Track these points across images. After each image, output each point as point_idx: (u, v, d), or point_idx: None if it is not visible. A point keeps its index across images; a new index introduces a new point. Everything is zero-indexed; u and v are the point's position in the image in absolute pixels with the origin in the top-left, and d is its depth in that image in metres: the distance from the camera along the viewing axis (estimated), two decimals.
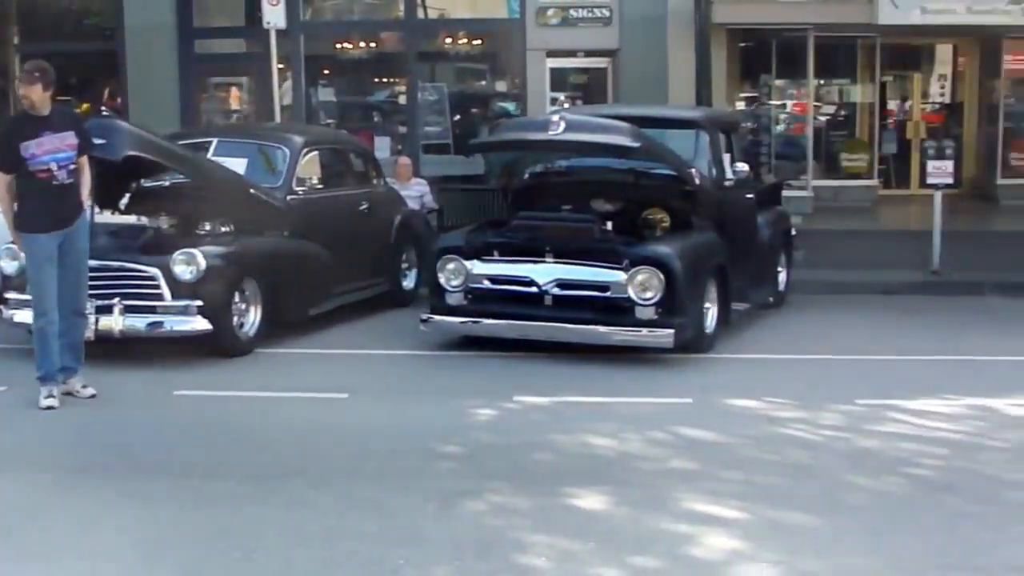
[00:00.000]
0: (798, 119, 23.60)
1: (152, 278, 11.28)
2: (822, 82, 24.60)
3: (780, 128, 23.70)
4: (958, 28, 22.56)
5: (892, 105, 26.01)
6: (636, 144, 11.48)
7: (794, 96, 23.86)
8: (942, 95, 27.07)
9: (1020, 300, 14.90)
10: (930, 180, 16.71)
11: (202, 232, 12.15)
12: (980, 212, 23.49)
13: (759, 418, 9.58)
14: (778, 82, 23.67)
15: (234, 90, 22.68)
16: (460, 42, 22.15)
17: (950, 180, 16.70)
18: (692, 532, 6.97)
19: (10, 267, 11.58)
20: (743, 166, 13.21)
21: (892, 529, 7.07)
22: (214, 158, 12.77)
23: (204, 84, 22.20)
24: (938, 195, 16.47)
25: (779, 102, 23.90)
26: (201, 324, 11.21)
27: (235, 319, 11.64)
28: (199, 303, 11.19)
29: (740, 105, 23.34)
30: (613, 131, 11.63)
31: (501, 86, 22.52)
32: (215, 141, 13.32)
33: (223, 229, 12.29)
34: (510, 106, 21.53)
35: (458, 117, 21.77)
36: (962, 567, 6.54)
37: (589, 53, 20.91)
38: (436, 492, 7.64)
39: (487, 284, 11.87)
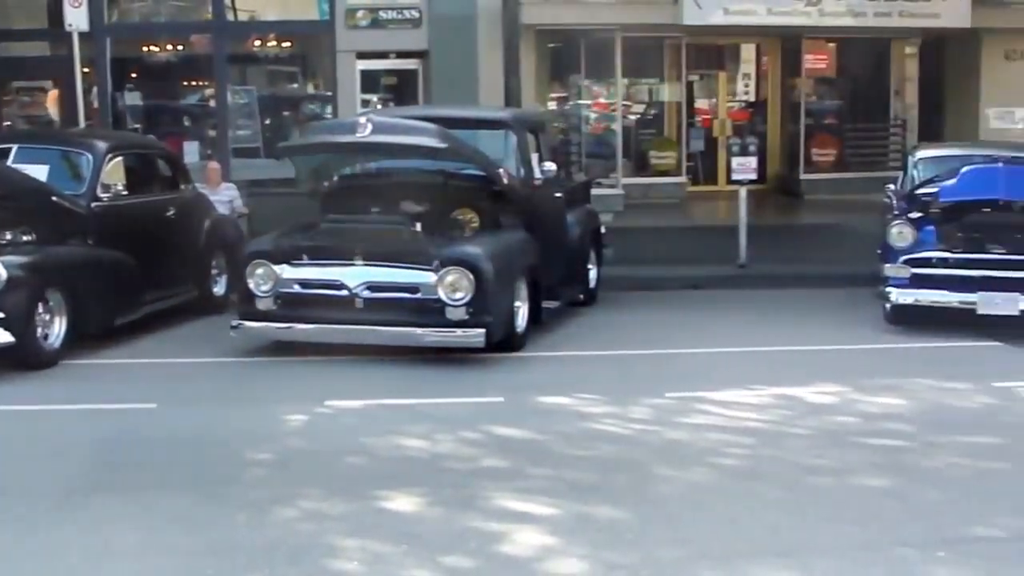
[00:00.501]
0: (606, 118, 23.90)
1: None
2: (631, 82, 24.96)
3: (590, 127, 23.97)
4: (760, 28, 23.17)
5: (700, 104, 26.53)
6: (443, 145, 11.51)
7: (603, 95, 24.16)
8: (747, 94, 27.73)
9: (822, 291, 15.30)
10: (735, 176, 17.12)
11: (2, 242, 11.77)
12: (785, 207, 24.19)
13: (570, 414, 9.68)
14: (587, 82, 23.94)
15: (38, 95, 22.07)
16: (270, 44, 21.96)
17: (754, 176, 17.13)
18: (503, 530, 7.00)
19: None
20: (551, 165, 13.34)
21: (699, 518, 7.21)
22: (14, 165, 12.41)
23: (7, 88, 21.56)
24: (743, 191, 16.87)
25: (588, 102, 24.18)
26: (3, 336, 10.87)
27: (39, 330, 11.29)
28: (0, 315, 10.85)
29: (552, 105, 23.58)
30: (420, 132, 11.64)
31: (312, 88, 22.39)
32: (15, 147, 12.94)
33: (25, 238, 11.93)
34: (321, 109, 21.38)
35: (269, 120, 21.58)
36: (767, 552, 6.71)
37: (399, 55, 20.89)
38: (247, 501, 7.55)
39: (297, 288, 11.75)
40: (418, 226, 11.92)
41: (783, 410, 9.79)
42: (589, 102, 24.20)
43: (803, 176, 25.16)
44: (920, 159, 15.26)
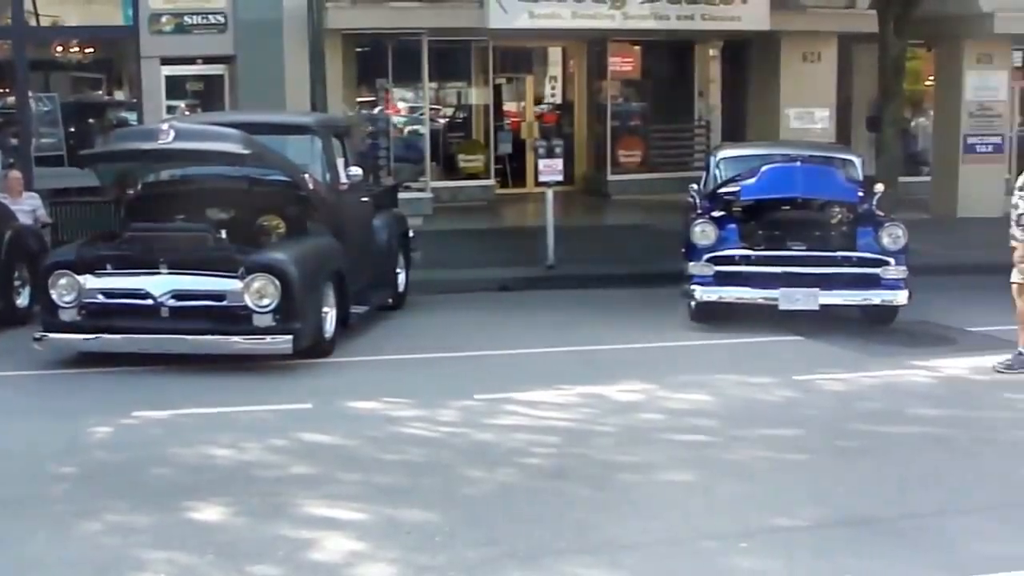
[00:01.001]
0: (414, 122, 23.91)
1: None
2: (439, 85, 25.03)
3: (398, 131, 23.94)
4: (566, 31, 23.43)
5: (508, 107, 26.73)
6: (246, 151, 11.38)
7: (410, 99, 24.16)
8: (554, 96, 28.05)
9: (630, 290, 15.54)
10: (542, 178, 17.28)
11: None
12: (593, 207, 24.52)
13: (379, 419, 9.66)
14: (395, 86, 23.90)
15: None
16: (73, 50, 21.40)
17: (560, 177, 17.33)
18: (312, 537, 6.96)
19: None
20: (357, 170, 13.30)
21: (508, 519, 7.27)
22: None
23: None
24: (550, 192, 17.04)
25: (397, 105, 24.15)
26: None
27: None
28: None
29: (360, 109, 23.50)
30: (223, 139, 11.49)
31: (117, 95, 21.92)
32: None
33: None
34: (127, 115, 20.94)
35: (73, 128, 21.02)
36: (575, 550, 6.80)
37: (205, 60, 20.60)
38: (50, 516, 7.37)
39: (101, 299, 11.50)
40: (223, 233, 11.78)
41: (590, 409, 9.93)
42: (397, 106, 24.16)
43: (610, 177, 25.57)
44: (722, 159, 15.60)
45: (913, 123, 28.06)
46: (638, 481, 8.07)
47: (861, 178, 15.08)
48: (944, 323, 13.52)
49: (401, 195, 17.06)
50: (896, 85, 19.66)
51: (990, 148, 23.67)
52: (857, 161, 15.53)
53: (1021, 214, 11.19)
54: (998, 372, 11.34)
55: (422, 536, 6.97)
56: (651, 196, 23.99)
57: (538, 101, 27.49)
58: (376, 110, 23.88)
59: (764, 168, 13.80)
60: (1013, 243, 11.32)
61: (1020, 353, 11.39)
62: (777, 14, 22.52)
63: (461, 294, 15.36)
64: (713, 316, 13.24)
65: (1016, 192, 11.30)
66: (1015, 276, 11.32)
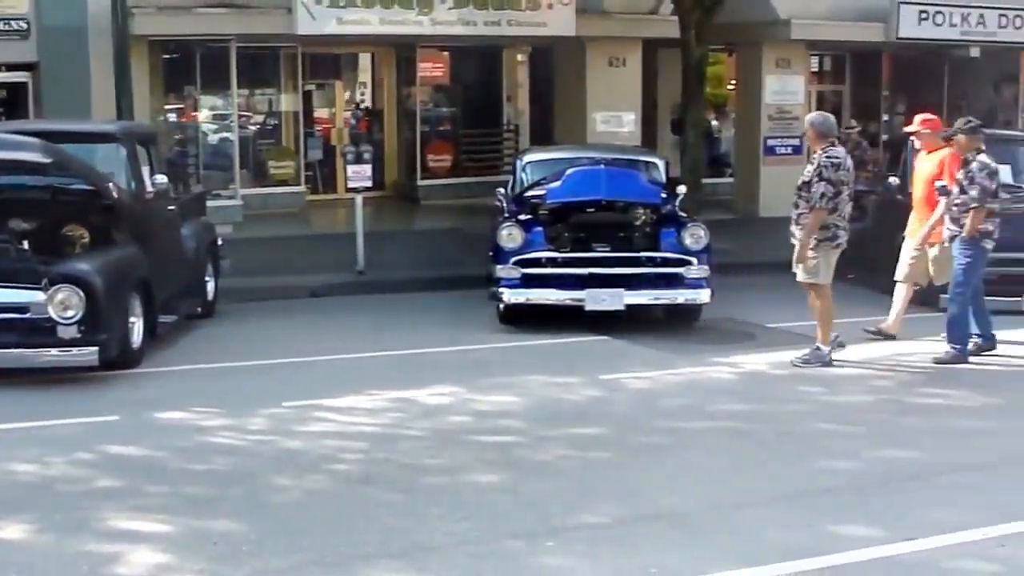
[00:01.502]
0: (223, 129, 23.57)
1: None
2: (248, 92, 24.75)
3: (207, 139, 23.58)
4: (375, 37, 23.40)
5: (318, 113, 26.55)
6: (48, 159, 11.10)
7: (220, 106, 23.82)
8: (364, 102, 27.96)
9: (440, 294, 15.62)
10: (351, 184, 17.25)
11: None
12: (403, 213, 24.52)
13: (186, 429, 9.53)
14: (203, 93, 23.54)
15: None
16: None
17: (369, 183, 17.33)
18: (117, 551, 6.84)
19: None
20: (163, 178, 13.06)
21: (315, 526, 7.24)
22: None
23: None
24: (359, 198, 17.00)
25: (205, 112, 23.80)
26: None
27: None
28: None
29: (171, 116, 23.10)
30: (23, 147, 11.17)
31: None
32: None
33: None
34: None
35: None
36: (381, 554, 6.82)
37: (8, 67, 20.05)
38: None
39: None
40: (25, 244, 11.50)
41: (398, 413, 9.96)
42: (206, 113, 23.80)
43: (420, 182, 25.63)
44: (528, 162, 15.77)
45: (717, 126, 28.76)
46: (445, 483, 8.12)
47: (664, 180, 15.39)
48: (746, 320, 13.90)
49: (210, 203, 16.86)
50: (698, 89, 20.10)
51: (789, 150, 24.40)
52: (660, 163, 15.87)
53: (801, 213, 11.58)
54: (796, 366, 11.71)
55: (229, 546, 6.91)
56: (461, 200, 24.12)
57: (349, 107, 27.36)
58: (184, 117, 23.49)
59: (569, 171, 14.02)
60: (793, 241, 11.73)
61: (817, 348, 11.77)
62: (583, 20, 22.80)
63: (272, 301, 15.22)
64: (521, 318, 13.37)
65: (795, 192, 11.69)
66: (801, 275, 11.72)
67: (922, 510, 7.67)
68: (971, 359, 12.10)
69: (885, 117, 29.18)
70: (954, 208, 12.21)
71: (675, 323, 13.70)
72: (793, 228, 11.71)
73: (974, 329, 12.33)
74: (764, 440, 9.34)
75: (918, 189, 13.25)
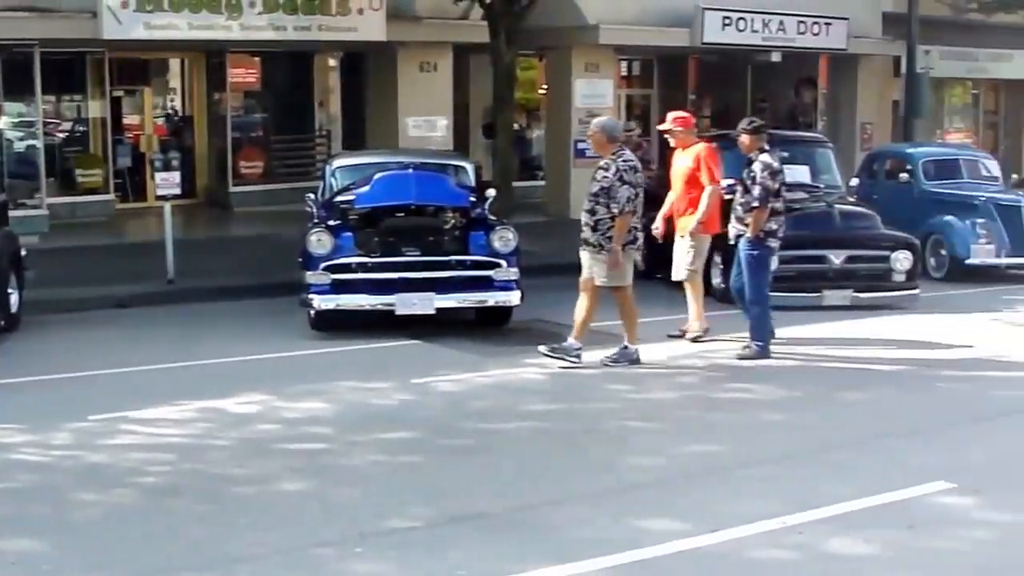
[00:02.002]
0: (29, 136, 22.86)
1: None
2: (54, 98, 24.09)
3: (11, 146, 22.82)
4: (185, 43, 22.95)
5: (128, 119, 25.96)
6: None
7: (25, 113, 23.10)
8: (174, 108, 27.47)
9: (251, 302, 15.37)
10: (160, 192, 16.91)
11: None
12: (215, 220, 24.14)
13: None
14: (6, 99, 22.77)
15: None
16: None
17: (178, 191, 16.97)
18: None
19: None
20: None
21: (120, 542, 7.08)
22: None
23: None
24: (168, 206, 16.65)
25: (7, 119, 23.03)
26: None
27: None
28: None
29: None
30: None
31: None
32: None
33: None
34: None
35: None
36: (188, 567, 6.70)
37: None
38: None
39: None
40: None
41: (206, 423, 9.77)
42: (7, 120, 23.05)
43: (232, 189, 25.26)
44: (337, 168, 15.63)
45: (529, 129, 28.97)
46: (253, 493, 8.01)
47: (474, 183, 15.44)
48: (557, 321, 13.97)
49: (14, 212, 16.35)
50: (508, 93, 20.23)
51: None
52: (469, 167, 15.91)
53: (600, 220, 11.60)
54: (606, 365, 11.83)
55: (28, 566, 6.70)
56: (274, 207, 23.80)
57: (158, 113, 26.84)
58: None
59: (377, 176, 13.97)
60: (584, 249, 11.83)
61: (625, 347, 11.92)
62: (393, 25, 22.74)
63: (78, 313, 14.79)
64: (333, 324, 13.26)
65: (590, 199, 11.71)
66: (600, 280, 11.77)
67: (725, 502, 7.83)
68: (772, 353, 12.39)
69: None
70: (739, 208, 12.45)
71: (486, 325, 13.73)
72: (589, 235, 11.71)
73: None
74: (572, 439, 9.43)
75: (676, 186, 13.45)
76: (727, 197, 12.92)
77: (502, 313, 13.60)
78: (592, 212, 11.68)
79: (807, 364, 12.37)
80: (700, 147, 13.26)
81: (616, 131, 12.00)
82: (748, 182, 12.29)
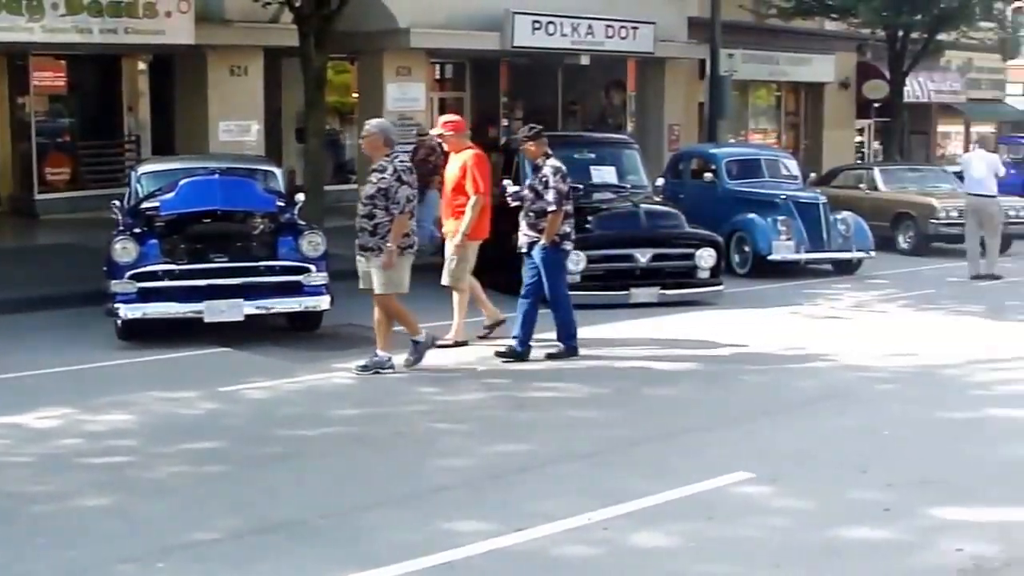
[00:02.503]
0: None
1: None
2: None
3: None
4: None
5: None
6: None
7: None
8: None
9: (56, 313, 14.87)
10: None
11: None
12: (19, 228, 23.38)
13: None
14: None
15: None
16: None
17: None
18: None
19: None
20: None
21: None
22: None
23: None
24: None
25: None
26: None
27: None
28: None
29: None
30: None
31: None
32: None
33: None
34: None
35: None
36: None
37: None
38: None
39: None
40: None
41: (4, 440, 9.37)
42: None
43: (38, 196, 24.49)
44: (143, 174, 15.30)
45: (343, 133, 28.75)
46: (52, 511, 7.72)
47: (283, 188, 15.26)
48: (368, 324, 13.83)
49: None
50: (319, 97, 20.00)
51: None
52: (278, 172, 15.74)
53: (379, 223, 11.37)
54: (358, 374, 11.57)
55: None
56: (83, 214, 23.11)
57: None
58: None
59: (183, 182, 13.69)
60: (361, 255, 11.62)
61: (376, 355, 11.63)
62: (202, 29, 22.32)
63: None
64: (140, 333, 12.96)
65: (365, 202, 11.45)
66: (379, 287, 11.54)
67: (532, 501, 7.85)
68: (581, 352, 12.49)
69: (504, 122, 29.90)
70: (531, 215, 12.39)
71: (296, 331, 13.58)
72: (368, 240, 11.45)
73: (515, 332, 12.39)
74: (380, 443, 9.37)
75: (446, 191, 13.37)
76: (513, 205, 12.84)
77: (312, 318, 13.46)
78: (370, 216, 11.38)
79: (614, 362, 12.51)
80: (468, 154, 13.08)
81: (392, 133, 11.84)
82: (540, 188, 12.28)
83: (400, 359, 11.83)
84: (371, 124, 11.89)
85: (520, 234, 12.59)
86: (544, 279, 12.34)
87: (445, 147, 13.75)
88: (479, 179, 12.93)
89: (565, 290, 12.56)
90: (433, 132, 14.11)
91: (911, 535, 7.32)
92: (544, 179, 12.24)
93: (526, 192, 12.51)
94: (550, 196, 12.16)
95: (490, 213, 13.27)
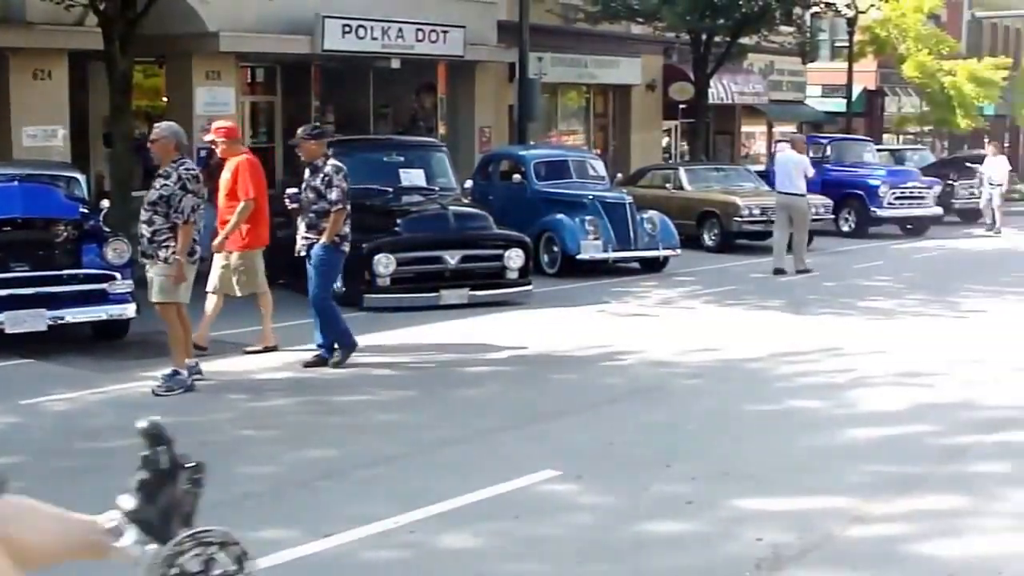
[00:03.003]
0: None
1: None
2: None
3: None
4: None
5: None
6: None
7: None
8: None
9: None
10: None
11: None
12: None
13: None
14: None
15: None
16: None
17: None
18: None
19: None
20: None
21: None
22: None
23: None
24: None
25: None
26: None
27: None
28: None
29: None
30: None
31: None
32: None
33: None
34: None
35: None
36: None
37: None
38: None
39: None
40: None
41: None
42: None
43: None
44: None
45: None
46: None
47: (87, 194, 14.86)
48: None
49: None
50: (125, 101, 19.52)
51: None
52: (81, 178, 15.32)
53: (157, 230, 10.84)
54: (156, 395, 10.86)
55: None
56: None
57: None
58: None
59: None
60: (146, 261, 11.07)
61: (176, 372, 11.03)
62: (3, 31, 21.59)
63: None
64: None
65: (147, 209, 10.96)
66: (156, 296, 11.07)
67: (339, 506, 7.76)
68: (389, 358, 12.43)
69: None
70: (311, 216, 12.13)
71: (102, 340, 13.21)
72: (147, 247, 10.95)
73: (319, 340, 12.14)
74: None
75: (221, 197, 12.86)
76: (291, 207, 12.64)
77: (118, 327, 13.11)
78: (149, 223, 10.88)
79: (423, 364, 12.48)
80: (239, 159, 12.74)
81: (183, 138, 11.38)
82: (322, 187, 12.05)
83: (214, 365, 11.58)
84: (161, 127, 11.41)
85: (299, 237, 12.30)
86: (312, 278, 12.05)
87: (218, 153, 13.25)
88: (249, 185, 12.54)
89: (330, 294, 12.26)
90: (206, 139, 13.74)
91: (713, 526, 7.43)
92: (327, 178, 12.01)
93: (306, 194, 12.21)
94: (334, 195, 11.94)
95: (268, 219, 12.99)
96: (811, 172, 21.02)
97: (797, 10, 33.45)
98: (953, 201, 32.13)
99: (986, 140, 40.21)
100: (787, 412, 10.58)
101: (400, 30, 26.40)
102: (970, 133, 51.79)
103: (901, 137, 51.81)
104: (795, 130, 40.99)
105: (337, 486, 8.26)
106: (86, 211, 13.74)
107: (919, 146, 47.52)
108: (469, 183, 18.85)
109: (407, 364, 12.32)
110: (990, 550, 7.09)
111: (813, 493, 8.11)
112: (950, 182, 32.57)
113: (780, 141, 30.97)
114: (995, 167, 30.71)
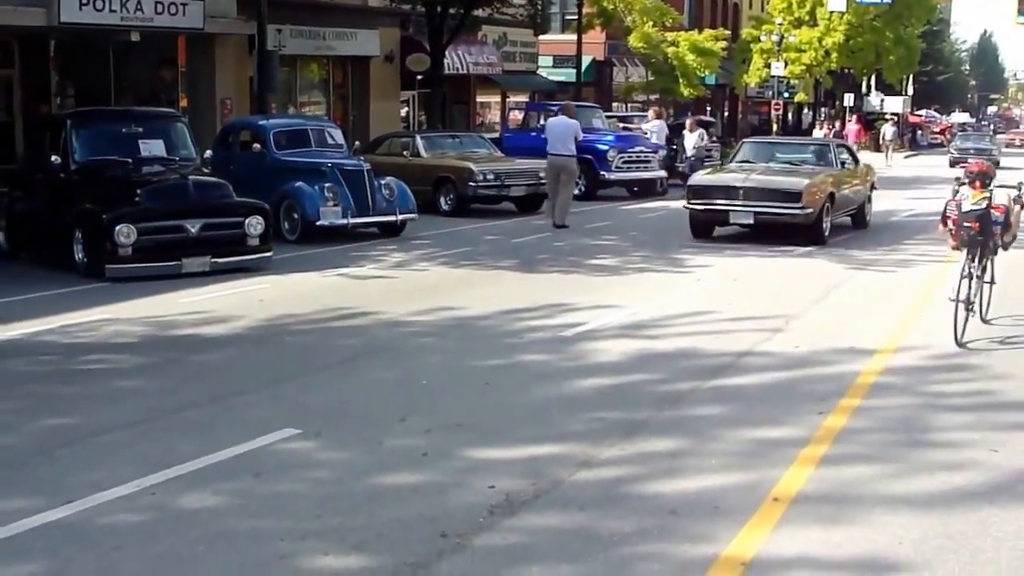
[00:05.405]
0: None
1: None
2: None
3: None
4: None
5: None
6: None
7: None
8: None
9: None
10: None
11: None
12: None
13: None
14: None
15: None
16: None
17: None
18: None
19: None
20: None
21: None
22: None
23: None
24: None
25: None
26: None
27: None
28: None
29: None
30: None
31: None
32: None
33: None
34: None
35: None
36: None
37: None
38: None
39: None
40: None
41: None
42: None
43: None
44: None
45: None
46: None
47: None
48: None
49: None
50: None
51: None
52: None
53: None
54: None
55: None
56: None
57: None
58: None
59: None
60: None
61: None
62: None
63: None
64: None
65: None
66: None
67: (80, 473, 7.56)
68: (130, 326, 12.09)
69: (57, 100, 28.51)
70: None
71: None
72: None
73: None
74: None
75: None
76: None
77: None
78: None
79: (164, 330, 12.22)
80: None
81: None
82: None
83: None
84: None
85: None
86: None
87: None
88: None
89: None
90: None
91: (448, 476, 7.53)
92: None
93: None
94: None
95: None
96: (580, 136, 22.36)
97: None
98: (678, 165, 33.20)
99: (689, 114, 41.75)
100: (517, 366, 10.76)
101: (139, 3, 25.55)
102: (693, 101, 53.45)
103: (628, 105, 52.98)
104: (527, 99, 41.61)
105: (79, 453, 8.03)
106: None
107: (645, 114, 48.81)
108: (209, 153, 18.50)
109: (148, 333, 12.03)
110: (707, 486, 7.40)
111: (543, 441, 8.29)
112: (673, 147, 33.68)
113: (513, 110, 31.34)
114: (690, 140, 33.20)
